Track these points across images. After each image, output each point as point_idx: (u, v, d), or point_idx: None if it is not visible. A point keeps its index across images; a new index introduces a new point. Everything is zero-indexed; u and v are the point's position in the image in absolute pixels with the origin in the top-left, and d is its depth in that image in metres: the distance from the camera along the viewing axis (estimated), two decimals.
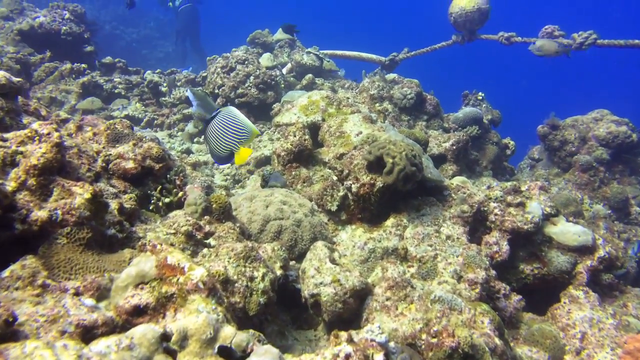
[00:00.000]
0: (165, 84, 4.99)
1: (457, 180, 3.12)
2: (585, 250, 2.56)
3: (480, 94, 4.88)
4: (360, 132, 3.14)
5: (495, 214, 2.73)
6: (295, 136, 3.02)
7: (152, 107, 4.95)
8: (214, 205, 2.31)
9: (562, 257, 2.58)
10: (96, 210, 1.71)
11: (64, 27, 5.10)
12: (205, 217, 2.24)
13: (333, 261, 2.44)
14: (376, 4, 33.02)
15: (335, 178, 2.92)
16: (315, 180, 3.02)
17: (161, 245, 1.63)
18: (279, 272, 2.22)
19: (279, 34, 5.63)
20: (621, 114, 4.37)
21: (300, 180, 3.01)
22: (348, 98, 4.16)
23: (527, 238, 2.69)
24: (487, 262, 2.48)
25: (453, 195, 2.97)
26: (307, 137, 3.04)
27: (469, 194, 2.92)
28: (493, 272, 2.45)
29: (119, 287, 1.49)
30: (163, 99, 4.92)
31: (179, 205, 2.32)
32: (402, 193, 2.80)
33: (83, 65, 4.93)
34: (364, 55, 5.65)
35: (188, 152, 4.24)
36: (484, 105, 4.82)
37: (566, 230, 2.61)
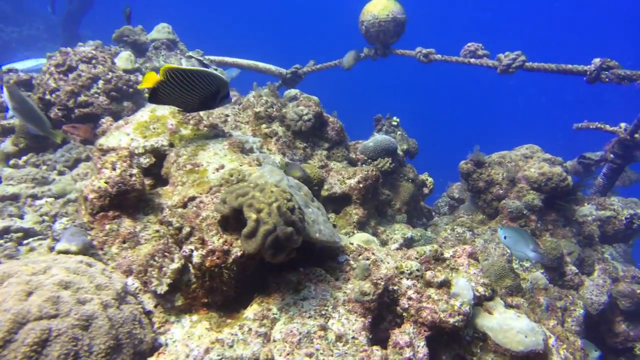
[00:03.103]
0: None
1: (359, 239, 2.22)
2: (534, 358, 1.73)
3: (395, 118, 4.11)
4: (223, 166, 2.14)
5: (409, 298, 1.85)
6: (115, 169, 1.95)
7: None
8: None
9: None
10: None
11: None
12: None
13: None
14: (283, 11, 31.89)
15: (171, 238, 1.88)
16: (145, 237, 1.96)
17: None
18: None
19: (156, 33, 4.52)
20: (550, 149, 3.79)
21: (119, 238, 1.93)
22: (227, 115, 3.16)
23: (453, 335, 1.82)
24: None
25: (352, 262, 2.05)
26: (135, 171, 1.98)
27: (374, 262, 2.02)
28: None
29: None
30: None
31: None
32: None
33: None
34: (261, 65, 4.69)
35: None
36: (398, 132, 4.05)
37: (507, 327, 1.77)
